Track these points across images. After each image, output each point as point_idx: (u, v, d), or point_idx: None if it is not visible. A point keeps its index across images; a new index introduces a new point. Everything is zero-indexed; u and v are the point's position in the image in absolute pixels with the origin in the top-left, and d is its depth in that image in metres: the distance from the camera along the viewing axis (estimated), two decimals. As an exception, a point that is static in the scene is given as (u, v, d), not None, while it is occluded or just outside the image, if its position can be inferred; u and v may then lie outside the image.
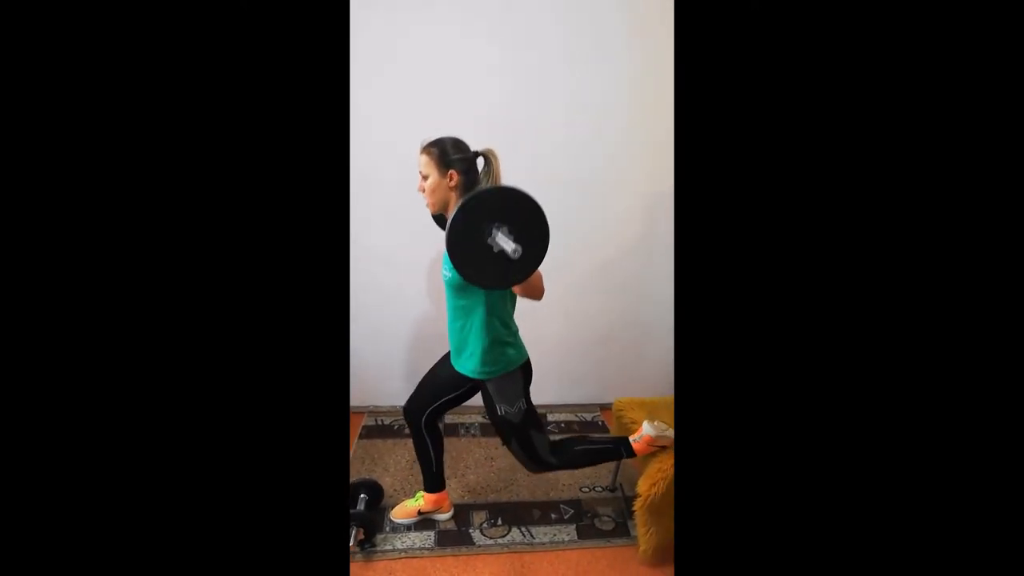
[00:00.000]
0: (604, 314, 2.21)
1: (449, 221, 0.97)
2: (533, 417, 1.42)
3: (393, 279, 2.04)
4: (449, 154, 1.23)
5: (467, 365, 1.36)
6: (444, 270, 1.28)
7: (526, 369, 1.40)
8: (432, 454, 1.53)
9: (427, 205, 1.27)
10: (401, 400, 1.60)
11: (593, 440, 1.53)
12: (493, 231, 0.98)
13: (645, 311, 2.21)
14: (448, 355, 1.46)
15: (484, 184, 1.26)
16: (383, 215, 1.96)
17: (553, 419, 2.24)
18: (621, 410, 1.73)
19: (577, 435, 1.53)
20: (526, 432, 1.41)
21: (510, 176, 1.96)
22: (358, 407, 2.22)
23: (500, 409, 1.37)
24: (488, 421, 1.56)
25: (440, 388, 1.47)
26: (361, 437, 2.07)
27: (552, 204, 2.00)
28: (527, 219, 1.00)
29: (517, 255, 0.97)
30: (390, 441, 2.04)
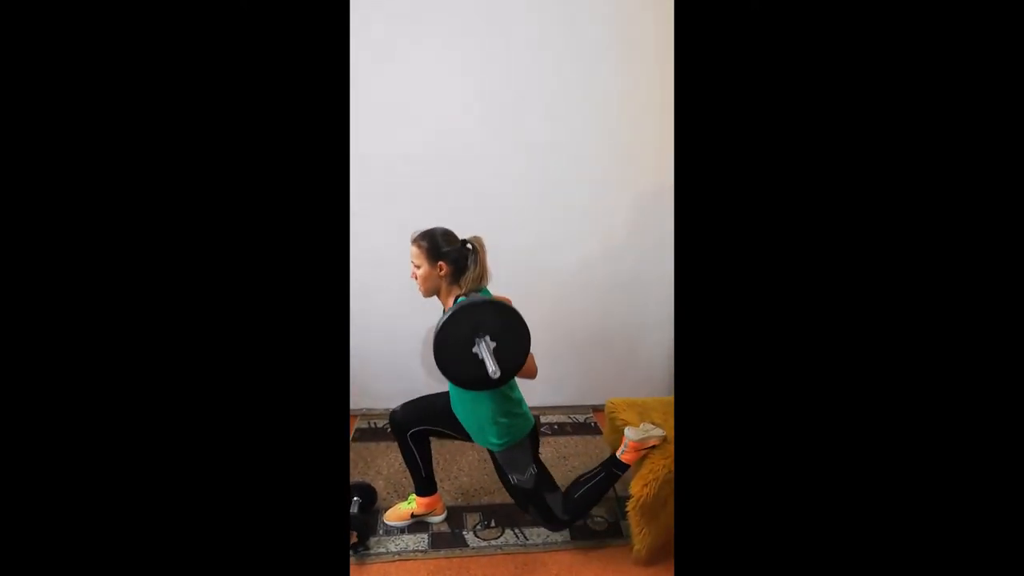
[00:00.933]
0: (596, 314, 2.22)
1: (437, 330, 1.00)
2: (545, 480, 1.46)
3: (383, 280, 2.03)
4: (440, 246, 1.30)
5: (482, 440, 1.42)
6: None
7: (533, 435, 1.45)
8: (420, 462, 1.54)
9: (419, 291, 1.35)
10: (393, 403, 1.59)
11: (585, 478, 1.52)
12: (477, 341, 1.07)
13: (637, 312, 2.22)
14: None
15: (472, 271, 1.32)
16: (379, 217, 1.97)
17: (546, 420, 2.24)
18: (613, 411, 1.74)
19: (572, 482, 1.55)
20: (540, 496, 1.44)
21: (502, 179, 1.95)
22: (351, 410, 2.21)
23: (512, 479, 1.42)
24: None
25: (437, 420, 1.51)
26: (354, 440, 2.06)
27: (544, 202, 2.04)
28: (510, 333, 1.11)
29: (496, 376, 1.05)
30: (383, 444, 2.03)
